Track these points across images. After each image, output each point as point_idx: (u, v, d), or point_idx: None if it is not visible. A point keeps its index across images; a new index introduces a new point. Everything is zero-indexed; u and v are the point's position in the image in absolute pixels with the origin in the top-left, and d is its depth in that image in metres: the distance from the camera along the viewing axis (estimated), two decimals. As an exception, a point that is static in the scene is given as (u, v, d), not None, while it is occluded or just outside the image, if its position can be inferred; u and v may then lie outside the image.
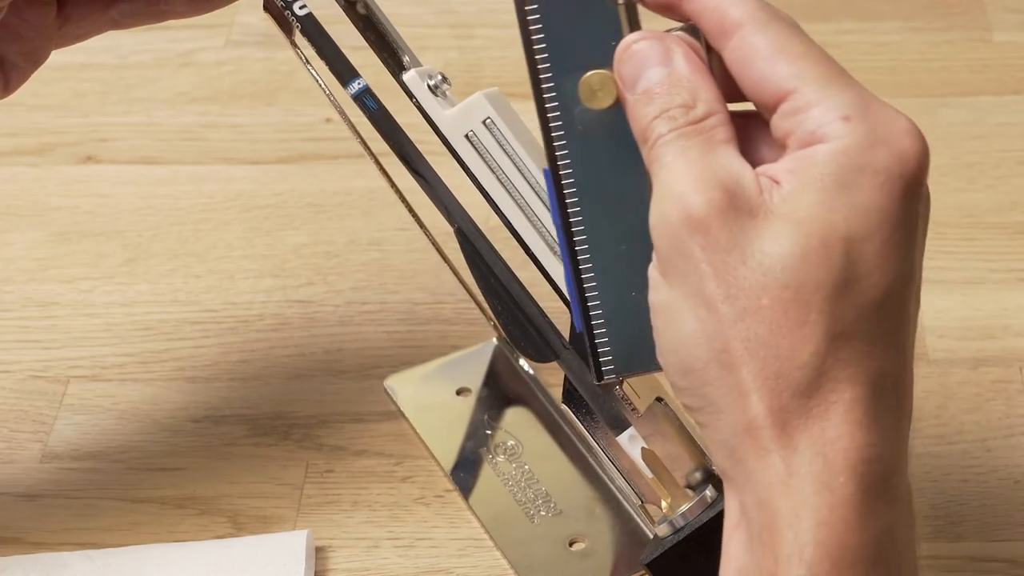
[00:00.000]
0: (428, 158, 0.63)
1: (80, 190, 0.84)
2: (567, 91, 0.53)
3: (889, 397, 0.49)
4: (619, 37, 0.53)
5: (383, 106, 0.61)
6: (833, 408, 0.48)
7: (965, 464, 0.69)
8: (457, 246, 0.63)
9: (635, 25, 0.53)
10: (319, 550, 0.66)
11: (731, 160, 0.50)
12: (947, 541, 0.66)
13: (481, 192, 0.61)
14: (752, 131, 0.52)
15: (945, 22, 0.92)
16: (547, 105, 0.54)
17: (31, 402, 0.73)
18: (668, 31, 0.53)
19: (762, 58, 0.50)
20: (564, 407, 0.66)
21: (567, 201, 0.54)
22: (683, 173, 0.50)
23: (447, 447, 0.70)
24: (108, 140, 0.87)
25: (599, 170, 0.54)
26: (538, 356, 0.60)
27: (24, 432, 0.72)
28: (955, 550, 0.65)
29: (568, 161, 0.54)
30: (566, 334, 0.62)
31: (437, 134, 0.60)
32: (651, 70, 0.52)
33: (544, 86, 0.54)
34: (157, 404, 0.73)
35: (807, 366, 0.48)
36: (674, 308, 0.50)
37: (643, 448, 0.58)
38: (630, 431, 0.59)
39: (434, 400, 0.72)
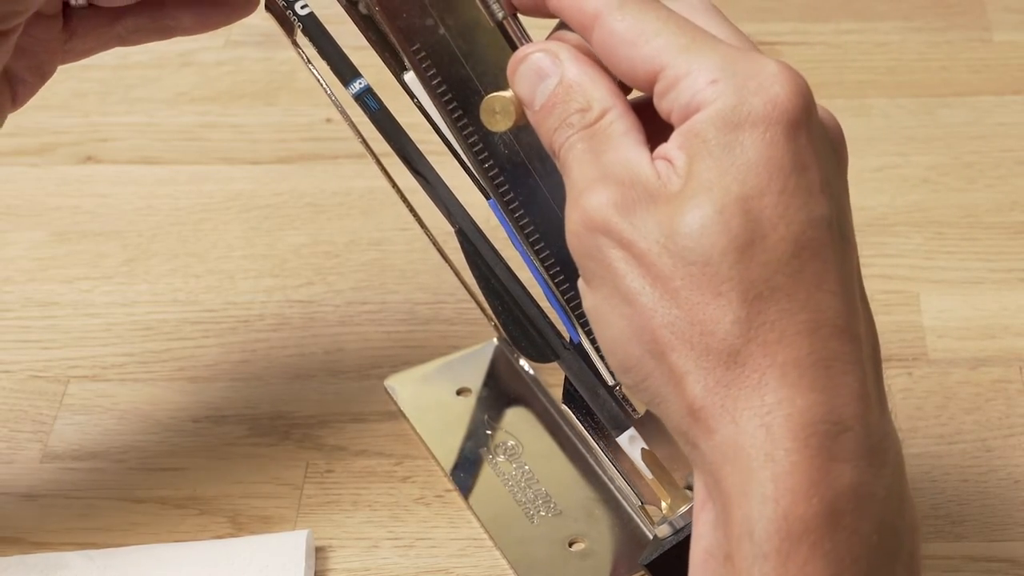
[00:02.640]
0: (429, 158, 0.63)
1: (80, 190, 0.84)
2: (479, 120, 0.54)
3: (833, 346, 0.48)
4: (507, 53, 0.53)
5: (384, 106, 0.61)
6: (768, 373, 0.47)
7: (965, 464, 0.69)
8: (457, 246, 0.63)
9: (521, 37, 0.53)
10: (319, 550, 0.66)
11: (626, 152, 0.50)
12: (947, 541, 0.66)
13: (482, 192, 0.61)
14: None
15: (945, 22, 0.92)
16: (470, 140, 0.54)
17: (31, 402, 0.73)
18: (554, 31, 0.53)
19: (624, 44, 0.50)
20: (564, 407, 0.66)
21: (521, 223, 0.55)
22: (580, 178, 0.50)
23: (447, 447, 0.70)
24: (108, 140, 0.87)
25: (538, 184, 0.55)
26: (539, 356, 0.60)
27: (24, 432, 0.72)
28: (955, 550, 0.65)
29: (508, 186, 0.54)
30: (566, 335, 0.62)
31: (438, 134, 0.60)
32: (543, 83, 0.52)
33: (459, 124, 0.54)
34: (157, 404, 0.73)
35: (731, 335, 0.47)
36: (601, 312, 0.50)
37: (643, 449, 0.58)
38: (630, 432, 0.59)
39: (434, 400, 0.72)
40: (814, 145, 0.49)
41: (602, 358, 0.56)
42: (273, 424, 0.71)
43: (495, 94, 0.53)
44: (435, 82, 0.54)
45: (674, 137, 0.49)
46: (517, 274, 0.62)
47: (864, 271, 0.78)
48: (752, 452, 0.47)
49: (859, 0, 0.94)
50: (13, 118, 0.88)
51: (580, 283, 0.51)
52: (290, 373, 0.73)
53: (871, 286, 0.76)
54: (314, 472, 0.69)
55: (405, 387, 0.73)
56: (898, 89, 0.88)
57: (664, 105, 0.50)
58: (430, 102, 0.55)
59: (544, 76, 0.52)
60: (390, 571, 0.65)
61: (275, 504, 0.68)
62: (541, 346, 0.61)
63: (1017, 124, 0.85)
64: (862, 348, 0.49)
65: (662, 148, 0.50)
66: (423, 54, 0.54)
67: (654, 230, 0.48)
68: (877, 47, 0.91)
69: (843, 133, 0.52)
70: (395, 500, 0.68)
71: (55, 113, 0.88)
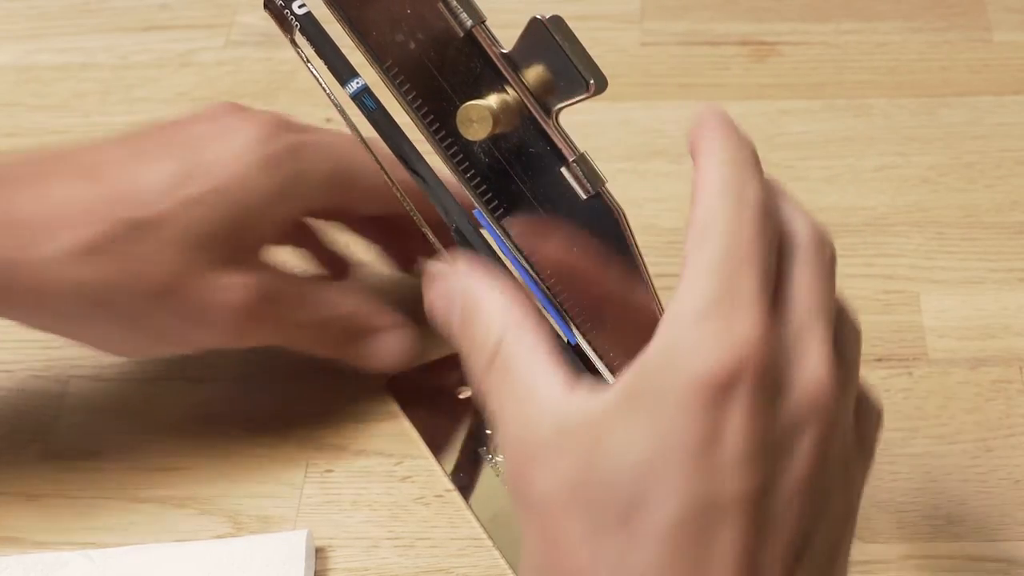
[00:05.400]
0: (426, 157, 0.63)
1: (80, 190, 0.84)
2: (457, 132, 0.54)
3: None
4: (479, 60, 0.53)
5: (381, 105, 0.61)
6: None
7: (965, 464, 0.69)
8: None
9: (492, 44, 0.53)
10: (319, 550, 0.66)
11: (526, 393, 0.50)
12: (947, 541, 0.66)
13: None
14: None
15: (945, 22, 0.92)
16: (450, 152, 0.54)
17: (31, 402, 0.73)
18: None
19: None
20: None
21: (507, 228, 0.55)
22: (497, 419, 0.51)
23: (447, 447, 0.70)
24: (108, 140, 0.87)
25: (522, 190, 0.55)
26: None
27: (24, 432, 0.72)
28: (955, 550, 0.65)
29: (491, 195, 0.55)
30: (562, 336, 0.62)
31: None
32: (451, 308, 0.53)
33: (438, 136, 0.54)
34: (157, 404, 0.73)
35: None
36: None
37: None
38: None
39: (434, 400, 0.72)
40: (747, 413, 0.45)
41: (600, 358, 0.56)
42: (273, 424, 0.71)
43: (471, 103, 0.53)
44: (410, 97, 0.54)
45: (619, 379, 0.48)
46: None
47: (864, 271, 0.78)
48: None
49: (859, 0, 0.94)
50: (13, 118, 0.88)
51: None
52: (290, 373, 0.73)
53: (871, 286, 0.76)
54: (314, 472, 0.69)
55: (405, 387, 0.73)
56: (898, 89, 0.88)
57: None
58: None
59: (451, 300, 0.53)
60: (390, 571, 0.65)
61: (275, 504, 0.68)
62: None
63: (1017, 124, 0.85)
64: None
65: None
66: (396, 70, 0.54)
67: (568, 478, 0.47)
68: (877, 47, 0.91)
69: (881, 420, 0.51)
70: (395, 500, 0.68)
71: (55, 113, 0.88)
